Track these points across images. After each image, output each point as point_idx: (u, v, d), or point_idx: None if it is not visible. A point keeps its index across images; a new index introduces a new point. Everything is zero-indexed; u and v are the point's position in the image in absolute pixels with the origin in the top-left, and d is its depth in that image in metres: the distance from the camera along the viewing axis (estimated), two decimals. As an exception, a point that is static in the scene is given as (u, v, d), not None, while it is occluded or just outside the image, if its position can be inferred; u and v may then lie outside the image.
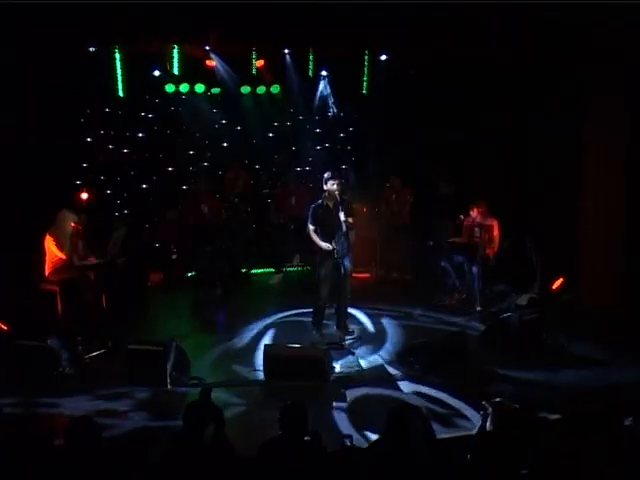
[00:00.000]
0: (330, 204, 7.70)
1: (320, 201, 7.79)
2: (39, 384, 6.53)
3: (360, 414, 5.96)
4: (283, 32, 10.06)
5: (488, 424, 4.71)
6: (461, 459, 4.63)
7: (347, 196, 7.89)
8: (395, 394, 6.44)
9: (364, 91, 12.08)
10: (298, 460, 4.42)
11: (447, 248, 9.25)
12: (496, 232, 9.03)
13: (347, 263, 7.77)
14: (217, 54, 10.70)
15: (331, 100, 11.86)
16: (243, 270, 10.81)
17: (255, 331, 8.27)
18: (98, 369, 7.04)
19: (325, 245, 7.60)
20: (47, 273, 7.52)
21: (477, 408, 5.23)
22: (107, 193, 11.74)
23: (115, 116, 11.58)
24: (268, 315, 8.81)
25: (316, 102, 11.94)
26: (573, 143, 8.91)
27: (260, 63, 11.39)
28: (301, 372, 6.54)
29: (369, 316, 8.78)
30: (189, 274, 10.45)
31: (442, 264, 9.35)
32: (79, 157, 11.38)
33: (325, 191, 7.75)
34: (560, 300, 8.32)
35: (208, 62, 11.15)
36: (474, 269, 8.91)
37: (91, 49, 9.88)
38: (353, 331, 8.02)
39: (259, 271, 10.93)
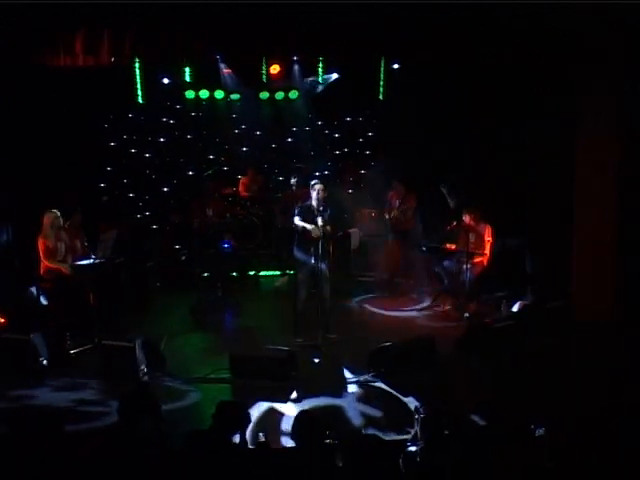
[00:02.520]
0: (314, 208, 7.85)
1: (307, 203, 7.97)
2: (19, 376, 6.90)
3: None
4: (293, 41, 10.29)
5: (418, 431, 4.80)
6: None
7: (328, 203, 7.99)
8: (351, 395, 6.58)
9: (381, 97, 12.24)
10: (214, 455, 4.63)
11: (439, 254, 9.20)
12: (488, 238, 8.97)
13: (324, 267, 7.88)
14: (228, 62, 11.00)
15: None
16: (251, 273, 11.06)
17: (242, 330, 8.51)
18: (81, 363, 7.38)
19: (310, 226, 7.70)
20: (42, 271, 7.94)
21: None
22: (130, 196, 12.31)
23: (137, 122, 12.11)
24: (259, 316, 9.05)
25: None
26: (569, 151, 8.77)
27: (275, 70, 11.66)
28: (265, 372, 6.71)
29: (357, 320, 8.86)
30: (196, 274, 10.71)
31: (435, 270, 9.32)
32: (103, 160, 11.97)
33: (311, 196, 7.92)
34: (549, 308, 8.21)
35: (225, 69, 11.50)
36: (465, 275, 8.86)
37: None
38: (335, 335, 8.10)
39: (266, 274, 11.13)
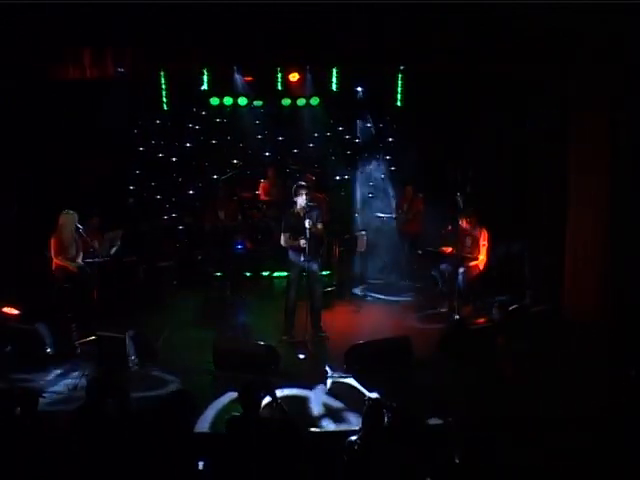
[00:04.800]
0: (300, 212, 8.22)
1: (292, 209, 8.34)
2: (26, 362, 7.56)
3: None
4: (306, 50, 10.68)
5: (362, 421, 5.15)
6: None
7: (316, 204, 8.37)
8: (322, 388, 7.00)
9: (398, 103, 12.48)
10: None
11: (435, 257, 9.42)
12: (484, 242, 9.12)
13: (314, 267, 8.25)
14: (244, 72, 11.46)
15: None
16: (265, 273, 11.51)
17: (241, 326, 9.02)
18: (84, 353, 7.96)
19: (298, 243, 8.10)
20: (54, 267, 8.59)
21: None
22: (157, 198, 12.95)
23: (164, 127, 12.73)
24: (261, 313, 9.58)
25: None
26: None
27: (294, 77, 12.05)
28: (245, 365, 7.12)
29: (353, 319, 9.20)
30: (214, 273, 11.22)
31: (432, 272, 9.55)
32: (132, 164, 12.65)
33: (295, 200, 8.29)
34: (533, 311, 8.35)
35: (244, 78, 11.96)
36: (459, 278, 9.05)
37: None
38: (324, 333, 8.45)
39: (279, 274, 11.53)
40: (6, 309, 8.39)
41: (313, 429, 6.08)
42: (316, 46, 10.35)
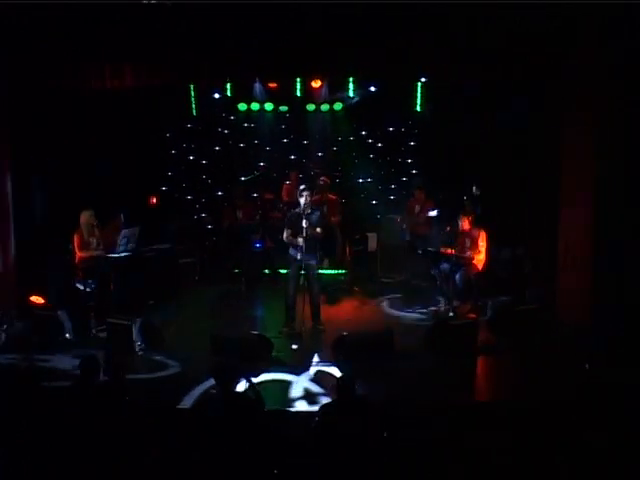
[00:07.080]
0: (301, 212, 8.75)
1: (297, 209, 8.89)
2: (46, 345, 8.35)
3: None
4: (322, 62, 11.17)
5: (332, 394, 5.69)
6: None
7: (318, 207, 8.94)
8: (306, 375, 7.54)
9: (418, 108, 12.88)
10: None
11: (435, 257, 9.77)
12: (482, 243, 9.41)
13: (312, 264, 8.78)
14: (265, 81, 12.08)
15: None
16: (283, 271, 12.05)
17: (247, 318, 9.62)
18: (100, 339, 8.69)
19: (296, 241, 8.70)
20: (77, 260, 9.37)
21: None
22: (187, 198, 13.74)
23: (195, 132, 13.49)
24: (270, 307, 10.13)
25: None
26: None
27: (317, 84, 12.60)
28: (238, 352, 7.67)
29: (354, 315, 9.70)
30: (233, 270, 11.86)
31: (432, 272, 9.92)
32: (165, 167, 13.46)
33: (299, 201, 8.83)
34: (518, 310, 8.65)
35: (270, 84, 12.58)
36: (457, 278, 9.40)
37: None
38: (322, 326, 8.96)
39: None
40: (33, 298, 9.23)
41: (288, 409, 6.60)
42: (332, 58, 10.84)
